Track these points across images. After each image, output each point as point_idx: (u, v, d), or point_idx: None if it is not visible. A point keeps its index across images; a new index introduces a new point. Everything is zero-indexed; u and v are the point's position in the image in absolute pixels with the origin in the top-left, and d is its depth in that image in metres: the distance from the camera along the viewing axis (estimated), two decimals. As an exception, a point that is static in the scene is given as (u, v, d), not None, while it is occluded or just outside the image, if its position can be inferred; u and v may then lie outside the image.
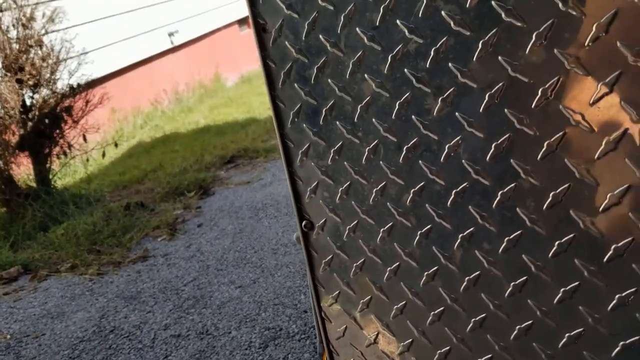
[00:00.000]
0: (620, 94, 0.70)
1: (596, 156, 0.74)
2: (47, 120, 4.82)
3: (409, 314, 0.98)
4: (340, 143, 0.96)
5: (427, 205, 0.90)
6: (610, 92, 0.70)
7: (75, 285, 3.71)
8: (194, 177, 5.13)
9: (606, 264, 0.78)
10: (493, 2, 0.75)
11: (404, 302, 0.98)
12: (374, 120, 0.91)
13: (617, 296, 0.79)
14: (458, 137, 0.83)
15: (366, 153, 0.94)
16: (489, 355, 0.92)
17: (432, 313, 0.96)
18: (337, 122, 0.95)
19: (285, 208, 4.27)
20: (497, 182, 0.82)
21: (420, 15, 0.81)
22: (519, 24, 0.74)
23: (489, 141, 0.81)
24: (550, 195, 0.78)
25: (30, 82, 4.64)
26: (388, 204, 0.94)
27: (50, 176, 4.92)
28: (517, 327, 0.87)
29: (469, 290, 0.90)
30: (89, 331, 3.17)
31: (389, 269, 0.98)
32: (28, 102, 4.72)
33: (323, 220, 1.04)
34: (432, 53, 0.82)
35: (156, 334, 3.03)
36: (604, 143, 0.73)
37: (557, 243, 0.80)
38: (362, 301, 1.04)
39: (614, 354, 0.81)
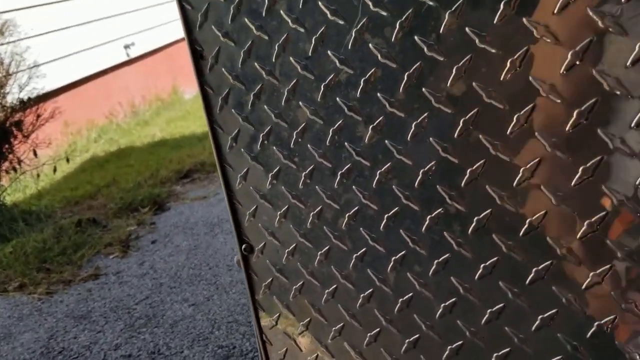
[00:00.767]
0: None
1: (515, 184, 0.77)
2: (-5, 135, 4.69)
3: (347, 335, 1.00)
4: (277, 168, 0.98)
5: (361, 228, 0.92)
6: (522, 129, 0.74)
7: (23, 305, 3.61)
8: (148, 192, 5.06)
9: (528, 286, 0.81)
10: (416, 37, 0.78)
11: (341, 324, 1.00)
12: (309, 146, 0.93)
13: (539, 317, 0.82)
14: (388, 164, 0.86)
15: (302, 178, 0.96)
16: (423, 375, 0.94)
17: (369, 334, 0.98)
18: (274, 148, 0.97)
19: (241, 223, 4.24)
20: (426, 207, 0.85)
21: (349, 47, 0.84)
22: (440, 58, 0.77)
23: (417, 168, 0.84)
24: (475, 220, 0.82)
25: (-22, 96, 4.52)
26: (324, 227, 0.96)
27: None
28: (449, 347, 0.90)
29: (402, 312, 0.93)
30: (37, 352, 3.09)
31: (326, 291, 1.00)
32: (-25, 116, 4.59)
33: (262, 243, 1.05)
34: (361, 83, 0.84)
35: (106, 354, 2.97)
36: (521, 171, 0.76)
37: (482, 266, 0.83)
38: (301, 323, 1.05)
39: (539, 372, 0.83)
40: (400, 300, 0.92)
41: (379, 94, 0.83)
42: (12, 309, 3.57)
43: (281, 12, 0.88)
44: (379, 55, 0.82)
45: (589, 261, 0.76)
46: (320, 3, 0.84)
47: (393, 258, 0.90)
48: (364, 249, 0.93)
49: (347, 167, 0.90)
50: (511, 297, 0.83)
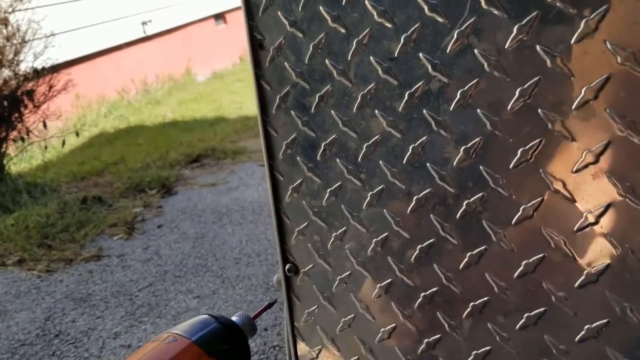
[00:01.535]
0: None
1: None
2: (6, 103, 4.56)
3: (401, 382, 0.87)
4: (338, 183, 0.84)
5: (435, 265, 0.79)
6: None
7: (21, 281, 3.49)
8: (156, 174, 4.93)
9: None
10: (538, 47, 0.64)
11: (396, 368, 0.87)
12: (381, 162, 0.79)
13: (473, 352, 0.78)
14: (480, 194, 0.72)
15: (368, 198, 0.82)
16: None
17: (427, 383, 0.85)
18: (338, 160, 0.83)
19: (251, 215, 4.13)
20: (522, 250, 0.72)
21: (448, 51, 0.70)
22: (567, 73, 0.63)
23: (518, 202, 0.70)
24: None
25: (-9, 62, 4.39)
26: (388, 257, 0.83)
27: (5, 161, 4.65)
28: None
29: (473, 364, 0.79)
30: (32, 334, 2.97)
31: (382, 329, 0.86)
32: (-13, 82, 4.46)
33: (310, 265, 0.91)
34: (458, 95, 0.71)
35: (105, 342, 2.85)
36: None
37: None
38: (346, 361, 0.92)
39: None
40: (474, 352, 0.78)
41: (479, 111, 0.70)
42: (9, 284, 3.45)
43: (366, 2, 0.74)
44: (485, 65, 0.68)
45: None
46: (416, -5, 0.70)
47: (472, 304, 0.77)
48: (435, 289, 0.80)
49: (426, 191, 0.77)
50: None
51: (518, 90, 0.66)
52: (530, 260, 0.71)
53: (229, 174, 5.00)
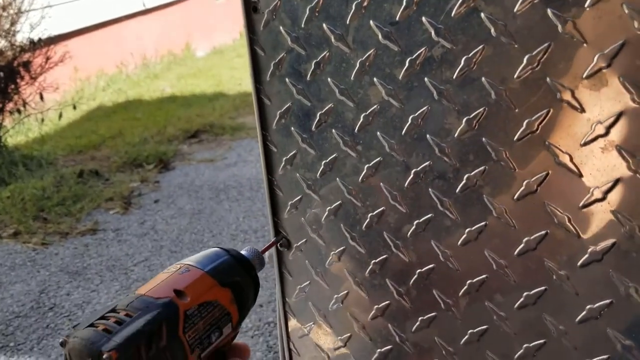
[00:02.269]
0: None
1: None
2: (2, 74, 4.50)
3: (395, 361, 0.84)
4: (334, 155, 0.81)
5: (432, 241, 0.75)
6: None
7: (16, 253, 3.47)
8: (154, 149, 4.89)
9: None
10: (549, 10, 0.60)
11: (389, 347, 0.84)
12: (378, 133, 0.76)
13: (469, 331, 0.76)
14: (482, 168, 0.69)
15: (365, 171, 0.78)
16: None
17: (421, 363, 0.82)
18: (333, 130, 0.79)
19: (249, 192, 4.10)
20: (525, 228, 0.68)
21: (452, 14, 0.66)
22: (580, 40, 0.59)
23: (521, 176, 0.67)
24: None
25: (-14, 31, 4.32)
26: (384, 233, 0.79)
27: (1, 133, 4.61)
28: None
29: (471, 345, 0.77)
30: (27, 306, 2.96)
31: (376, 306, 0.83)
32: (-18, 52, 4.40)
33: (303, 240, 0.88)
34: (462, 62, 0.67)
35: (99, 316, 2.84)
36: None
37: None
38: (339, 338, 0.89)
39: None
40: (470, 331, 0.76)
41: (483, 79, 0.66)
42: (4, 257, 3.44)
43: (366, -38, 0.69)
44: (492, 30, 0.64)
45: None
46: (420, -45, 0.66)
47: (469, 281, 0.74)
48: (431, 266, 0.77)
49: (424, 164, 0.73)
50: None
51: (526, 57, 0.62)
52: (532, 237, 0.67)
53: (227, 150, 4.96)
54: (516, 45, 0.63)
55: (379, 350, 0.85)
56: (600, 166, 0.61)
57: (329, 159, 0.81)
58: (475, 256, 0.73)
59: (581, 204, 0.63)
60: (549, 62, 0.61)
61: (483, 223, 0.71)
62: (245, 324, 2.70)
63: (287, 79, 0.81)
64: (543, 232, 0.67)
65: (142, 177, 4.43)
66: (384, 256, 0.81)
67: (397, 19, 0.70)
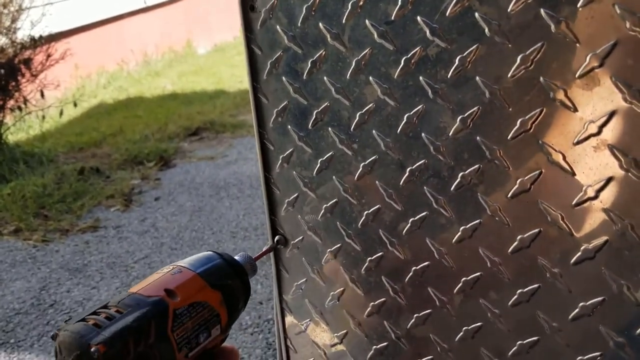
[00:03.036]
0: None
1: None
2: (2, 71, 4.51)
3: (390, 357, 0.85)
4: (330, 153, 0.81)
5: (427, 239, 0.76)
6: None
7: (17, 250, 3.48)
8: (155, 147, 4.90)
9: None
10: (542, 10, 0.60)
11: (385, 344, 0.85)
12: (374, 132, 0.76)
13: (464, 328, 0.76)
14: (476, 166, 0.69)
15: (360, 169, 0.79)
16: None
17: None
18: (330, 129, 0.80)
19: (249, 189, 4.11)
20: (518, 226, 0.69)
21: (447, 14, 0.66)
22: (573, 39, 0.60)
23: (515, 176, 0.67)
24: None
25: (-13, 29, 4.33)
26: (380, 230, 0.80)
27: (2, 130, 4.62)
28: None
29: (465, 342, 0.77)
30: (27, 303, 2.97)
31: (372, 303, 0.84)
32: (-18, 49, 4.40)
33: (300, 238, 0.89)
34: (456, 61, 0.67)
35: (99, 313, 2.85)
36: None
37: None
38: (335, 335, 0.90)
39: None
40: (465, 328, 0.76)
41: (478, 78, 0.66)
42: (5, 254, 3.45)
43: (362, -39, 0.70)
44: (486, 29, 0.64)
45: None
46: (415, -45, 0.66)
47: (464, 279, 0.74)
48: (426, 263, 0.77)
49: (420, 162, 0.74)
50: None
51: (520, 56, 0.63)
52: (526, 235, 0.68)
53: (227, 147, 4.97)
54: (510, 45, 0.63)
55: (374, 347, 0.86)
56: (593, 165, 0.62)
57: (325, 157, 0.82)
58: (470, 254, 0.73)
59: (574, 202, 0.64)
60: (543, 62, 0.62)
61: (477, 221, 0.71)
62: (245, 321, 2.71)
63: (283, 78, 0.82)
64: (536, 230, 0.67)
65: (143, 175, 4.44)
66: (380, 254, 0.81)
67: (392, 18, 0.70)
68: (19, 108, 4.72)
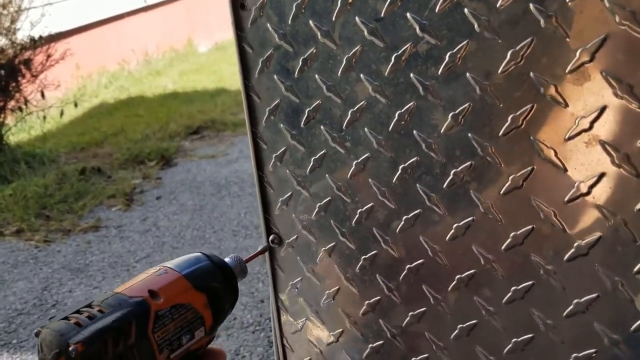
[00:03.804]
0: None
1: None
2: (3, 72, 4.51)
3: (385, 356, 0.84)
4: (323, 151, 0.81)
5: (421, 236, 0.76)
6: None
7: (19, 251, 3.49)
8: (156, 146, 4.90)
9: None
10: (531, 5, 0.60)
11: (380, 342, 0.84)
12: (366, 129, 0.76)
13: (459, 326, 0.76)
14: (468, 163, 0.69)
15: (353, 167, 0.79)
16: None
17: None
18: (322, 127, 0.80)
19: (250, 188, 4.10)
20: (512, 223, 0.68)
21: (437, 10, 0.66)
22: (563, 34, 0.59)
23: (507, 172, 0.67)
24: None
25: (-14, 30, 4.33)
26: (373, 229, 0.80)
27: (3, 131, 4.62)
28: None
29: (461, 340, 0.77)
30: (29, 303, 2.98)
31: (367, 302, 0.84)
32: (-18, 50, 4.40)
33: (294, 237, 0.89)
34: (446, 58, 0.67)
35: (101, 313, 2.85)
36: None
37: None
38: (332, 333, 0.90)
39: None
40: (460, 326, 0.76)
41: (468, 74, 0.66)
42: (7, 254, 3.45)
43: (351, -42, 0.69)
44: (475, 25, 0.64)
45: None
46: (404, -49, 0.65)
47: (458, 276, 0.74)
48: (420, 261, 0.77)
49: (412, 160, 0.73)
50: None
51: (509, 52, 0.62)
52: (519, 232, 0.68)
53: (229, 146, 4.97)
54: (500, 40, 0.63)
55: (370, 345, 0.86)
56: (585, 161, 0.61)
57: (318, 155, 0.81)
58: (463, 251, 0.73)
59: (566, 199, 0.63)
60: (532, 57, 0.61)
61: (470, 218, 0.71)
62: (247, 319, 2.71)
63: (275, 76, 0.81)
64: (529, 227, 0.67)
65: (144, 174, 4.44)
66: (374, 252, 0.81)
67: (382, 15, 0.70)
68: (20, 109, 4.72)
